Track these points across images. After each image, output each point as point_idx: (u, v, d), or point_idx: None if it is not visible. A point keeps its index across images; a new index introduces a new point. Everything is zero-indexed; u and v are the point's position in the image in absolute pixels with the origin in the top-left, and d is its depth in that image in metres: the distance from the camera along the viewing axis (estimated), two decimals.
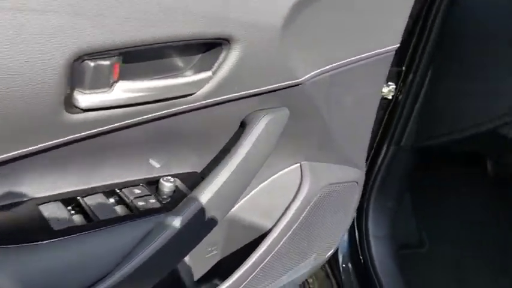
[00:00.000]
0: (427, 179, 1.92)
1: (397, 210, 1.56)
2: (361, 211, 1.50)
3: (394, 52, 1.03)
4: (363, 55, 0.94)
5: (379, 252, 1.46)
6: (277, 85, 0.80)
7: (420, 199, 1.86)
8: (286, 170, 1.04)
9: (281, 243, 1.01)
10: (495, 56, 1.21)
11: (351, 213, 1.22)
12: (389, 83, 1.35)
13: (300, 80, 0.82)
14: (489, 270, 1.73)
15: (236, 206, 1.01)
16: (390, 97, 1.37)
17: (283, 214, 1.00)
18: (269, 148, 0.87)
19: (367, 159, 1.49)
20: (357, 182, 1.17)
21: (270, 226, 1.01)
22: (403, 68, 1.32)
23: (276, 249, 1.01)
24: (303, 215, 1.02)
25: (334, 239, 1.20)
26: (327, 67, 0.87)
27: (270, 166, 1.03)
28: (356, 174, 1.16)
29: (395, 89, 1.35)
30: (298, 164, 1.04)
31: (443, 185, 1.93)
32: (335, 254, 1.50)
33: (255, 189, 1.03)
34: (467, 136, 1.27)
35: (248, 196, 1.03)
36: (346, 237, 1.54)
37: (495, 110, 1.18)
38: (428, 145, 1.43)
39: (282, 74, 0.79)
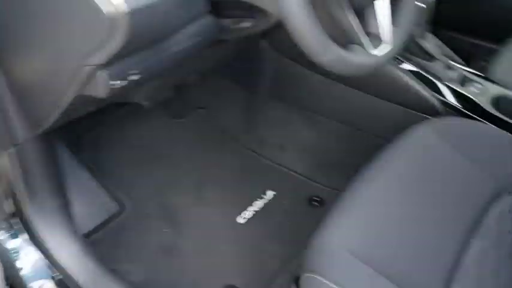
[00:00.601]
0: (99, 149, 1.81)
1: (66, 204, 1.38)
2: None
3: None
4: None
5: (72, 261, 1.28)
6: None
7: (109, 170, 1.75)
8: None
9: None
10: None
11: None
12: None
13: None
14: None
15: None
16: None
17: None
18: None
19: None
20: None
21: None
22: None
23: None
24: None
25: None
26: None
27: None
28: None
29: None
30: None
31: (118, 144, 1.85)
32: None
33: None
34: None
35: None
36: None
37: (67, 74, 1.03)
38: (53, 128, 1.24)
39: None
